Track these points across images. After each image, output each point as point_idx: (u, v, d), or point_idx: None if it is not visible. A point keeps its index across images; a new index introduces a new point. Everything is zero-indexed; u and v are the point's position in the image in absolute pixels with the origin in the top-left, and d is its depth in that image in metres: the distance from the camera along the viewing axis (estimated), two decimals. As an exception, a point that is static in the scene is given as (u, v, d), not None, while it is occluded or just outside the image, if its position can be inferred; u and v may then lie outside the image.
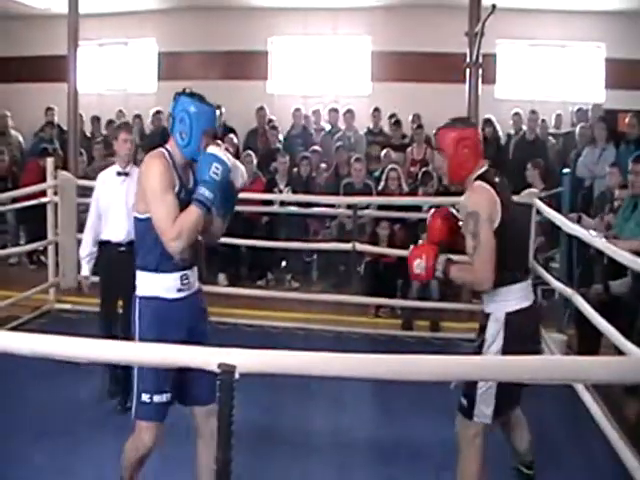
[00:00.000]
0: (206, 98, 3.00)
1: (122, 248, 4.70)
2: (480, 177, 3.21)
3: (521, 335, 3.15)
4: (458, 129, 3.27)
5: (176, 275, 2.98)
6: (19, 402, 4.63)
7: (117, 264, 4.62)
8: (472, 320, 6.72)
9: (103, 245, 4.87)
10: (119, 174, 4.85)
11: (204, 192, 2.83)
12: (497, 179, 3.23)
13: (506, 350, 3.14)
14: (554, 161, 8.88)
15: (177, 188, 2.93)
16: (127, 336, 3.24)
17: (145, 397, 2.94)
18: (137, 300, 3.04)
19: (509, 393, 3.19)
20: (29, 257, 8.76)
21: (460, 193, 8.01)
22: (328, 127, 10.13)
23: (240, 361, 1.95)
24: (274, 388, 4.86)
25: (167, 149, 2.99)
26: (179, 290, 3.00)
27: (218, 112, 3.24)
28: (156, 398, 2.95)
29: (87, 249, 4.92)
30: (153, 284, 3.00)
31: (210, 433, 2.83)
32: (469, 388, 3.19)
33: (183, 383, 3.01)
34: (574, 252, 5.63)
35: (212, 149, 2.88)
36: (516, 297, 3.21)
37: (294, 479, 3.81)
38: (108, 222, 4.82)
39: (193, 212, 2.84)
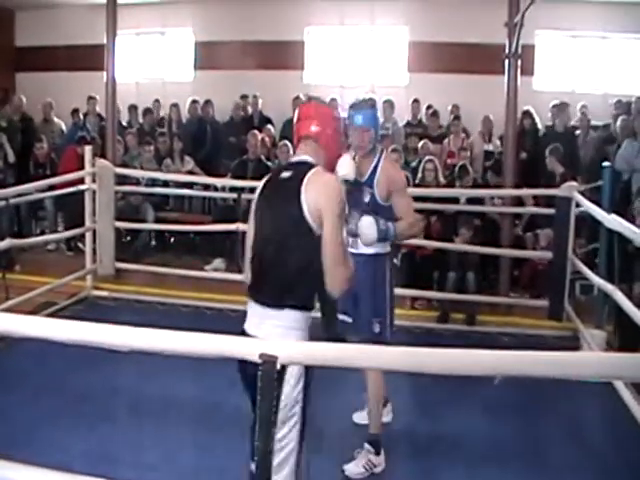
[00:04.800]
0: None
1: None
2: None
3: None
4: None
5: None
6: (58, 388, 4.69)
7: None
8: (509, 314, 6.68)
9: None
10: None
11: None
12: (285, 174, 2.80)
13: None
14: (594, 154, 8.73)
15: None
16: None
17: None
18: None
19: None
20: (67, 244, 8.87)
21: (497, 186, 7.90)
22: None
23: (282, 352, 1.94)
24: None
25: None
26: (350, 246, 3.86)
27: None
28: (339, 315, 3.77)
29: None
30: None
31: None
32: None
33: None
34: (615, 248, 5.53)
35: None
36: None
37: (328, 470, 3.79)
38: None
39: None
